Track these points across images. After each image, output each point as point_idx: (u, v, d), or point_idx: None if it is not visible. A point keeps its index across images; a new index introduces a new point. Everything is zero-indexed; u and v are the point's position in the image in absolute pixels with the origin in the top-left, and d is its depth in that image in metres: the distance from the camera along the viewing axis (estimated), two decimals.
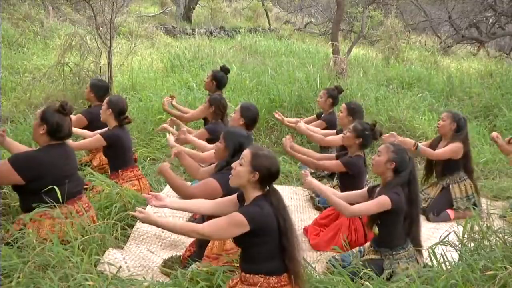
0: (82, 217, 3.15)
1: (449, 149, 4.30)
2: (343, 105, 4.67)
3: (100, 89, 4.77)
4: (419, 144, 4.25)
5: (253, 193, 2.50)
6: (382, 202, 2.98)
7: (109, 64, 6.67)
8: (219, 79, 5.21)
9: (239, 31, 15.96)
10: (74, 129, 3.72)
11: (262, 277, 2.46)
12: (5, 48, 8.90)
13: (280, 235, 2.44)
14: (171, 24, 15.78)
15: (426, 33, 18.11)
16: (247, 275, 2.49)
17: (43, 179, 2.99)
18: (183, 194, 3.01)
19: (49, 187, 3.00)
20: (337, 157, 3.99)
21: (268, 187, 2.52)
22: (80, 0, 9.38)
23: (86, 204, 3.34)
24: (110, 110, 4.07)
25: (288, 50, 12.12)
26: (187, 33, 15.01)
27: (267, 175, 2.47)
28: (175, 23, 16.44)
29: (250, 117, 3.96)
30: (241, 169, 2.47)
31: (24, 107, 6.16)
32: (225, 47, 11.39)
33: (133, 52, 8.45)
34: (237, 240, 2.49)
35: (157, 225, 2.41)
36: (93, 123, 4.51)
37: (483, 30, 15.93)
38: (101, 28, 6.69)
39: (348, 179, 3.78)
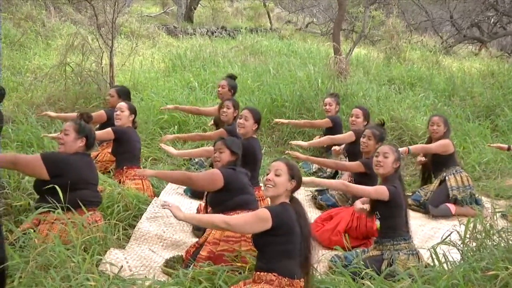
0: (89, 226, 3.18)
1: (440, 144, 4.56)
2: (358, 110, 4.82)
3: (128, 95, 5.05)
4: (410, 148, 4.53)
5: (279, 200, 2.64)
6: (380, 191, 3.15)
7: (111, 64, 6.68)
8: (234, 86, 5.28)
9: (241, 31, 15.96)
10: None
11: (275, 276, 2.50)
12: (7, 48, 8.90)
13: (301, 239, 2.57)
14: (173, 24, 15.79)
15: (427, 33, 18.08)
16: (261, 273, 2.54)
17: (65, 177, 3.13)
18: (182, 181, 3.38)
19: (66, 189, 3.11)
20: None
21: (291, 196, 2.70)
22: (81, 0, 9.40)
23: (99, 218, 3.34)
24: (133, 115, 4.38)
25: (289, 50, 12.12)
26: (188, 33, 15.01)
27: (299, 184, 2.69)
28: (176, 23, 16.45)
29: (260, 120, 4.11)
30: (280, 179, 2.61)
31: (26, 107, 6.17)
32: (226, 47, 11.39)
33: (134, 52, 8.46)
34: (257, 240, 2.60)
35: (185, 219, 2.65)
36: (110, 123, 4.54)
37: (485, 30, 15.94)
38: (102, 28, 6.70)
39: (364, 179, 3.82)
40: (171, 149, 4.07)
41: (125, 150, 4.26)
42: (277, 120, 5.51)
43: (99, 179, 3.88)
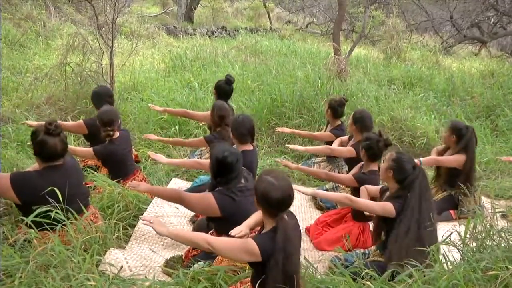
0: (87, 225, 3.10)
1: (453, 158, 4.31)
2: (352, 113, 4.66)
3: (99, 98, 4.54)
4: (421, 160, 4.25)
5: (267, 220, 2.43)
6: (387, 208, 3.01)
7: (111, 64, 6.67)
8: (218, 87, 5.14)
9: (239, 31, 15.98)
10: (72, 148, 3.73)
11: None
12: (7, 48, 8.91)
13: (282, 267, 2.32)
14: (173, 24, 15.80)
15: (427, 33, 18.11)
16: None
17: (40, 204, 2.86)
18: (176, 201, 3.07)
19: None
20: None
21: (278, 216, 2.37)
22: (82, 0, 9.39)
23: (93, 215, 3.28)
24: (98, 123, 4.01)
25: (289, 50, 12.12)
26: (188, 33, 15.04)
27: (264, 202, 2.35)
28: (176, 23, 16.46)
29: (239, 131, 3.71)
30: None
31: (26, 108, 6.17)
32: (226, 47, 11.39)
33: (134, 52, 8.45)
34: (250, 263, 2.45)
35: (168, 235, 2.45)
36: (94, 132, 4.32)
37: (485, 30, 15.94)
38: (103, 28, 6.69)
39: (357, 193, 3.63)
40: (161, 158, 3.87)
41: (115, 167, 4.09)
42: (279, 128, 5.38)
43: (97, 179, 3.89)
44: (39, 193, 2.86)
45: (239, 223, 2.71)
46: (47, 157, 3.00)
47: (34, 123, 4.46)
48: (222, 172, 2.95)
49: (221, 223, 2.98)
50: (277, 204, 2.34)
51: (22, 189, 2.87)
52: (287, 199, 2.37)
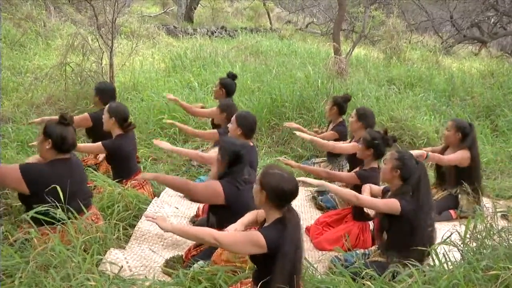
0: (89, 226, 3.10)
1: (455, 156, 4.27)
2: (354, 110, 4.66)
3: (106, 93, 4.63)
4: (429, 153, 4.21)
5: (271, 214, 2.44)
6: (391, 204, 3.00)
7: (111, 64, 6.68)
8: (225, 85, 5.17)
9: (237, 31, 15.99)
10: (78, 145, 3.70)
11: None
12: (7, 48, 8.91)
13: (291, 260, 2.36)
14: (173, 24, 15.80)
15: (427, 33, 18.11)
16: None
17: (48, 195, 2.89)
18: (182, 190, 3.17)
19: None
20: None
21: (285, 208, 2.42)
22: (81, 0, 9.40)
23: (95, 216, 3.28)
24: (113, 118, 4.01)
25: (289, 50, 12.12)
26: (188, 33, 15.04)
27: (274, 195, 2.39)
28: (176, 23, 16.47)
29: (247, 126, 3.84)
30: (255, 187, 2.47)
31: (26, 107, 6.17)
32: (226, 47, 11.39)
33: (134, 52, 8.46)
34: (253, 258, 2.47)
35: (172, 230, 2.47)
36: (97, 127, 4.35)
37: (485, 30, 15.95)
38: (102, 28, 6.70)
39: (357, 190, 3.55)
40: (166, 145, 3.89)
41: (120, 164, 4.08)
42: (287, 123, 5.33)
43: (97, 178, 3.89)
44: (50, 184, 2.90)
45: (240, 214, 2.82)
46: (65, 149, 3.06)
47: (37, 120, 4.52)
48: (235, 163, 3.07)
49: (223, 213, 3.05)
50: (289, 195, 2.40)
51: (33, 180, 2.90)
52: (296, 190, 2.44)
